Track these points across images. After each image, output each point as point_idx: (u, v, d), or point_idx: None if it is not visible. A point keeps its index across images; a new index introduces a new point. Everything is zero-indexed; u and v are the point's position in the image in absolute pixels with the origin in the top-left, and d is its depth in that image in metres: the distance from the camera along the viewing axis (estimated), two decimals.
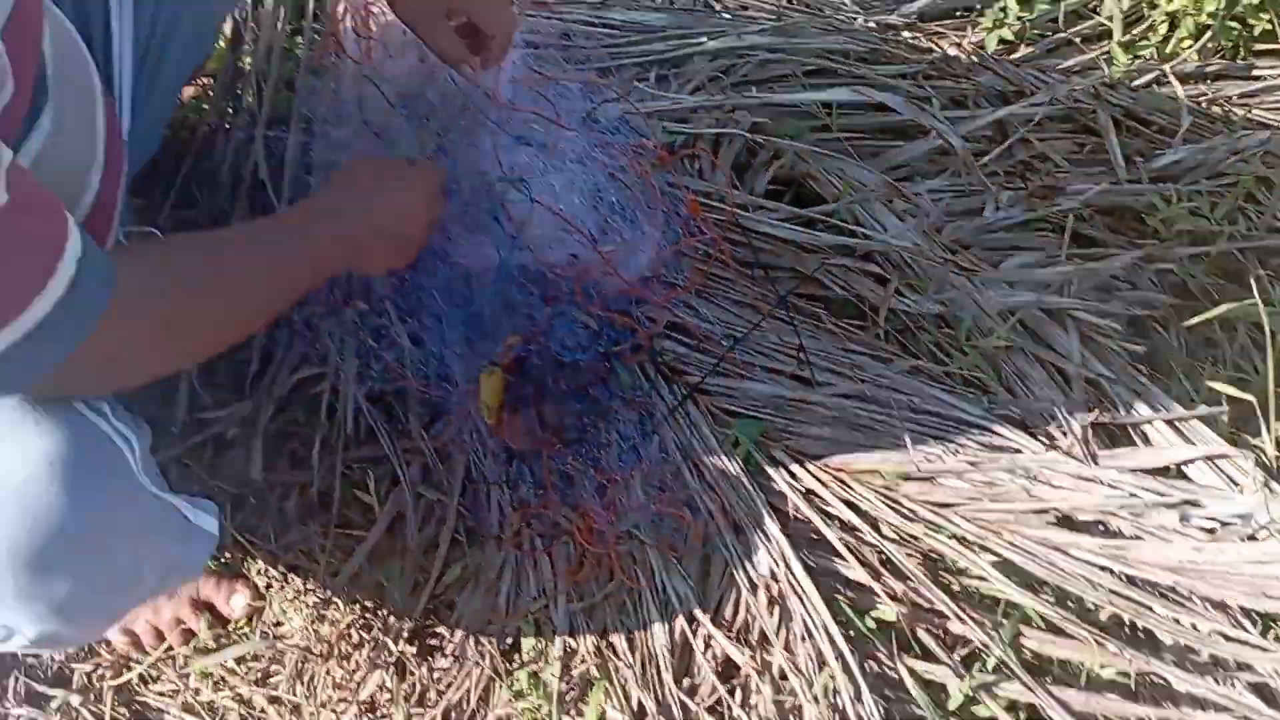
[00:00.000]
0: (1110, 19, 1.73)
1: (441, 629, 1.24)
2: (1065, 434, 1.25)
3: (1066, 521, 1.20)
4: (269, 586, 1.28)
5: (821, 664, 1.14)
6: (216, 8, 1.14)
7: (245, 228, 1.03)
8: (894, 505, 1.21)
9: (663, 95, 1.34)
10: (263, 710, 1.24)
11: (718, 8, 1.49)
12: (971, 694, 1.12)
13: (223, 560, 1.30)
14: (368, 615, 1.25)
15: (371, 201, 1.07)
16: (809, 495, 1.23)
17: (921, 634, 1.17)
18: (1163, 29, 1.74)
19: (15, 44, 0.70)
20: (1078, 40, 1.74)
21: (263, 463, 1.29)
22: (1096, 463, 1.23)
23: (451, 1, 1.12)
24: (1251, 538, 1.15)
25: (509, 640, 1.22)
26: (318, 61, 1.36)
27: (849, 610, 1.17)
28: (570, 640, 1.20)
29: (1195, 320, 1.34)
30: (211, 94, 1.43)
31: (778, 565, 1.18)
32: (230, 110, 1.40)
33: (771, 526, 1.20)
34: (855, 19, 1.59)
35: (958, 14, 1.72)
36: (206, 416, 1.30)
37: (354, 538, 1.30)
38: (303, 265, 0.97)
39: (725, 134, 1.33)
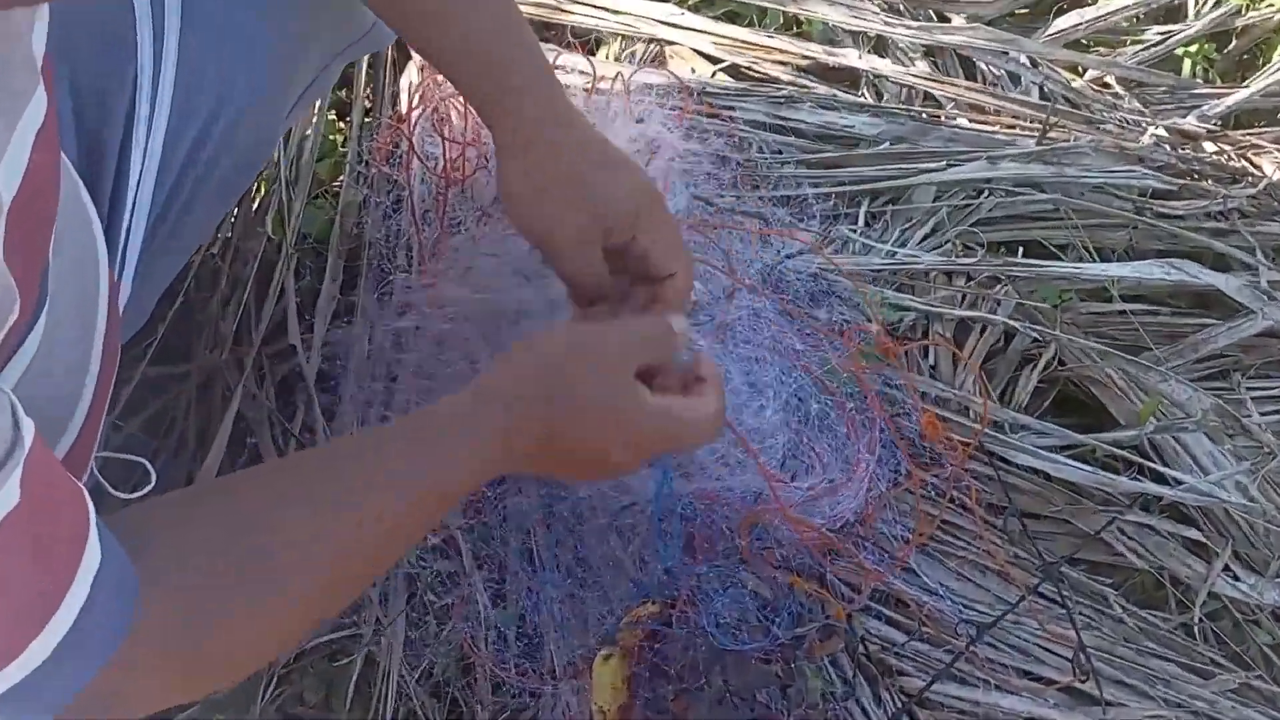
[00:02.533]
0: None
1: None
2: None
3: None
4: None
5: None
6: (262, 152, 0.78)
7: (355, 455, 0.66)
8: None
9: (880, 246, 0.91)
10: None
11: (947, 108, 1.06)
12: None
13: None
14: None
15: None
16: None
17: None
18: None
19: (19, 232, 0.49)
20: None
21: None
22: None
23: (609, 221, 0.73)
24: None
25: None
26: (377, 164, 0.96)
27: None
28: None
29: None
30: None
31: None
32: (233, 234, 1.00)
33: None
34: (1141, 124, 1.15)
35: None
36: None
37: None
38: (453, 487, 0.66)
39: (977, 318, 0.89)
